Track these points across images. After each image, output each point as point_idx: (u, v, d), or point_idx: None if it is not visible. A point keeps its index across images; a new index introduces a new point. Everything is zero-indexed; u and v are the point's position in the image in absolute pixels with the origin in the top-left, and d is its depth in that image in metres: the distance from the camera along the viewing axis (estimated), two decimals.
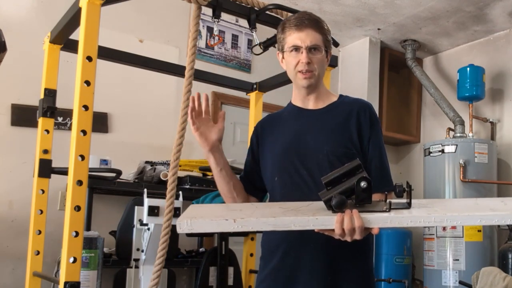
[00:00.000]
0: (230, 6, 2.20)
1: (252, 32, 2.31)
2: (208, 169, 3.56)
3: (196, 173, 3.58)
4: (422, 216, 1.27)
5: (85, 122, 1.89)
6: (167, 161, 3.48)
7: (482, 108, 4.67)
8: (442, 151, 4.24)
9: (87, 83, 1.90)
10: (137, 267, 2.92)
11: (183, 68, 2.10)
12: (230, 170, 1.73)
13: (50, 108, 2.45)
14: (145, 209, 2.75)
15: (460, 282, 3.73)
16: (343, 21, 4.49)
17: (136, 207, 2.94)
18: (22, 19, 3.42)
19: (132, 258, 2.93)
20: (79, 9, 1.97)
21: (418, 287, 4.78)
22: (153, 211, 2.74)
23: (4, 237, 3.19)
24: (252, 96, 3.15)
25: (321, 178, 1.36)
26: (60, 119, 3.40)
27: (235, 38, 4.42)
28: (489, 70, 4.56)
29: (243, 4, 2.23)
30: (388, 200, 1.35)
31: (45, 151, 2.44)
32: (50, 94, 2.47)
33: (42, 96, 2.47)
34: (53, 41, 2.45)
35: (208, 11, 2.24)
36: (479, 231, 4.03)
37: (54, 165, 2.48)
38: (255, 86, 3.14)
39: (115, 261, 3.07)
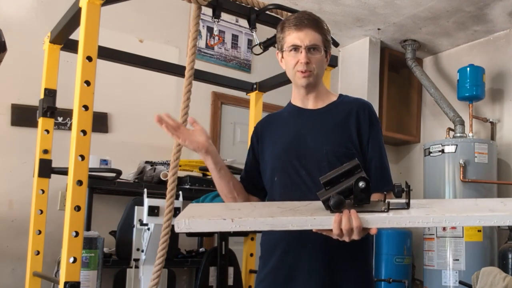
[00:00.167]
0: (230, 6, 2.21)
1: (252, 32, 2.31)
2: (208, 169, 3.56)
3: (196, 173, 3.58)
4: (421, 217, 1.27)
5: (85, 122, 1.89)
6: (167, 161, 3.48)
7: (482, 108, 4.67)
8: (442, 151, 4.24)
9: (87, 83, 1.90)
10: (137, 267, 2.92)
11: (183, 68, 2.11)
12: (228, 170, 1.73)
13: (50, 108, 2.46)
14: (145, 209, 2.75)
15: (460, 282, 3.73)
16: (343, 21, 4.49)
17: (136, 207, 2.94)
18: (22, 19, 3.42)
19: (132, 258, 2.93)
20: (79, 9, 1.97)
21: (418, 287, 4.78)
22: (153, 211, 2.74)
23: (4, 237, 3.19)
24: (252, 96, 3.15)
25: (319, 178, 1.36)
26: (60, 119, 3.40)
27: (235, 38, 4.42)
28: (489, 70, 4.56)
29: (243, 4, 2.23)
30: (386, 200, 1.35)
31: (45, 151, 2.44)
32: (50, 94, 2.47)
33: (42, 96, 2.47)
34: (53, 41, 2.45)
35: (208, 11, 2.24)
36: (479, 231, 4.03)
37: (54, 165, 2.48)
38: (255, 86, 3.15)
39: (115, 261, 3.07)
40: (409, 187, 1.31)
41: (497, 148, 4.37)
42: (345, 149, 1.61)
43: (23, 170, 3.14)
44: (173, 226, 1.55)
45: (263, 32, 2.37)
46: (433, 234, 4.17)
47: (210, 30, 4.23)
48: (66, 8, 2.21)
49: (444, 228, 4.09)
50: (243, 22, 3.43)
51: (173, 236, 2.65)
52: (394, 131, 5.03)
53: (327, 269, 1.56)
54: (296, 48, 1.63)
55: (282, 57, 1.70)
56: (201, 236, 3.79)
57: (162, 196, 2.27)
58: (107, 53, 2.58)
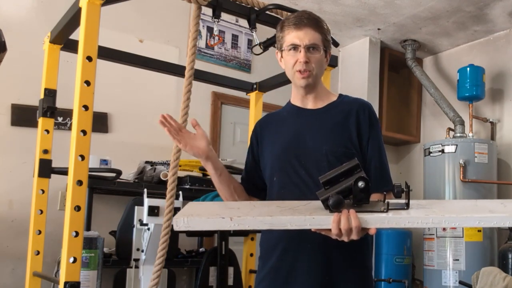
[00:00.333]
0: (230, 6, 2.20)
1: (252, 32, 2.31)
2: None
3: (196, 173, 3.58)
4: (420, 217, 1.26)
5: (85, 122, 1.89)
6: (167, 161, 3.48)
7: (482, 108, 4.67)
8: (442, 151, 4.24)
9: (87, 83, 1.90)
10: (137, 267, 2.92)
11: (183, 68, 2.11)
12: (228, 173, 1.73)
13: (50, 108, 2.46)
14: (145, 209, 2.75)
15: (460, 282, 3.73)
16: (343, 21, 4.49)
17: (136, 207, 2.94)
18: (22, 19, 3.42)
19: (132, 258, 2.93)
20: (79, 9, 1.97)
21: (418, 287, 4.78)
22: (153, 211, 2.74)
23: (4, 237, 3.19)
24: (252, 96, 3.15)
25: (319, 177, 1.36)
26: (60, 119, 3.40)
27: (235, 38, 4.42)
28: (489, 70, 4.56)
29: (243, 4, 2.23)
30: (386, 201, 1.34)
31: (45, 151, 2.44)
32: (50, 94, 2.47)
33: (42, 96, 2.47)
34: (53, 41, 2.45)
35: (208, 11, 2.24)
36: (479, 231, 4.03)
37: (54, 165, 2.48)
38: (255, 86, 3.15)
39: (115, 261, 3.07)
40: (409, 187, 1.31)
41: (497, 148, 4.37)
42: (344, 149, 1.60)
43: (23, 170, 3.14)
44: (173, 226, 1.56)
45: (263, 32, 2.37)
46: (433, 234, 4.17)
47: (210, 30, 4.23)
48: (66, 8, 2.20)
49: (444, 228, 4.09)
50: (243, 22, 3.43)
51: (173, 236, 2.65)
52: (394, 131, 5.03)
53: (326, 269, 1.56)
54: (295, 47, 1.62)
55: (282, 56, 1.69)
56: (201, 236, 3.79)
57: (162, 196, 2.27)
58: (107, 53, 2.58)
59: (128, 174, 3.43)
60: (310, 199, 1.44)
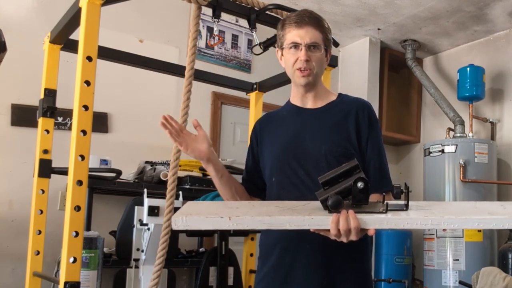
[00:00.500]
0: (230, 6, 2.20)
1: (252, 32, 2.31)
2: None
3: (196, 173, 3.58)
4: (419, 219, 1.26)
5: (85, 122, 1.89)
6: (167, 161, 3.48)
7: (482, 108, 4.67)
8: (442, 151, 4.24)
9: (87, 83, 1.90)
10: (137, 267, 2.92)
11: (183, 68, 2.11)
12: (229, 174, 1.72)
13: (50, 108, 2.46)
14: (145, 209, 2.75)
15: (460, 282, 3.73)
16: (343, 21, 4.49)
17: (136, 207, 2.94)
18: (22, 19, 3.42)
19: (132, 258, 2.93)
20: (79, 9, 1.97)
21: (418, 287, 4.78)
22: (153, 211, 2.74)
23: (4, 237, 3.19)
24: (252, 96, 3.15)
25: (318, 178, 1.35)
26: (60, 119, 3.40)
27: (235, 38, 4.42)
28: (489, 70, 4.56)
29: (243, 4, 2.23)
30: (385, 202, 1.34)
31: (45, 151, 2.44)
32: (50, 94, 2.47)
33: (42, 96, 2.47)
34: (53, 41, 2.45)
35: (208, 11, 2.24)
36: (479, 231, 4.03)
37: (54, 165, 2.48)
38: (255, 86, 3.15)
39: (115, 261, 3.07)
40: (408, 188, 1.30)
41: (497, 148, 4.37)
42: (343, 149, 1.60)
43: (23, 170, 3.14)
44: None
45: (263, 32, 2.37)
46: (433, 234, 4.17)
47: (210, 30, 4.23)
48: (66, 8, 2.20)
49: (444, 228, 4.09)
50: (243, 22, 3.43)
51: (173, 236, 2.65)
52: (394, 131, 5.03)
53: (325, 270, 1.56)
54: (296, 45, 1.62)
55: (282, 54, 1.68)
56: (201, 236, 3.79)
57: (162, 196, 2.27)
58: (107, 53, 2.58)
59: (128, 174, 3.43)
60: (309, 199, 1.44)
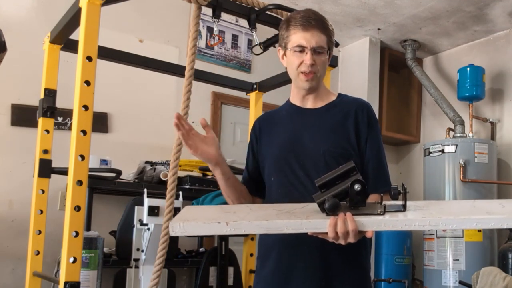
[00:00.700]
0: (230, 6, 2.20)
1: (252, 32, 2.31)
2: (208, 169, 3.55)
3: (196, 173, 3.58)
4: (417, 220, 1.26)
5: (85, 122, 1.89)
6: (167, 161, 3.48)
7: (482, 108, 4.67)
8: (442, 151, 4.24)
9: (87, 83, 1.90)
10: (137, 267, 2.92)
11: (183, 68, 2.11)
12: (235, 177, 1.70)
13: (50, 108, 2.46)
14: (145, 209, 2.75)
15: (460, 282, 3.73)
16: (343, 21, 4.49)
17: (136, 207, 2.94)
18: (22, 19, 3.42)
19: (132, 258, 2.93)
20: (79, 9, 1.97)
21: (418, 287, 4.78)
22: (153, 211, 2.74)
23: (4, 237, 3.19)
24: (252, 96, 3.15)
25: (315, 180, 1.35)
26: (60, 119, 3.40)
27: (235, 38, 4.42)
28: (489, 70, 4.56)
29: (243, 4, 2.23)
30: (383, 203, 1.34)
31: (45, 151, 2.44)
32: (50, 94, 2.47)
33: (42, 96, 2.47)
34: (53, 41, 2.45)
35: (208, 11, 2.24)
36: (479, 231, 4.03)
37: (54, 165, 2.48)
38: (255, 86, 3.15)
39: (115, 261, 3.07)
40: (406, 189, 1.30)
41: (497, 148, 4.37)
42: (342, 150, 1.60)
43: (23, 170, 3.14)
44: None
45: (263, 32, 2.37)
46: (433, 234, 4.17)
47: (210, 30, 4.22)
48: (66, 8, 2.20)
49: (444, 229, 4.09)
50: (243, 22, 3.43)
51: (173, 236, 2.65)
52: (394, 131, 5.02)
53: (323, 272, 1.55)
54: (301, 48, 1.61)
55: (285, 54, 1.68)
56: (201, 236, 3.79)
57: (162, 196, 2.27)
58: (107, 53, 2.58)
59: (128, 174, 3.43)
60: (308, 199, 1.44)
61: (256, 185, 1.75)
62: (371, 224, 1.28)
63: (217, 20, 2.16)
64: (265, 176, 1.71)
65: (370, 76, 4.79)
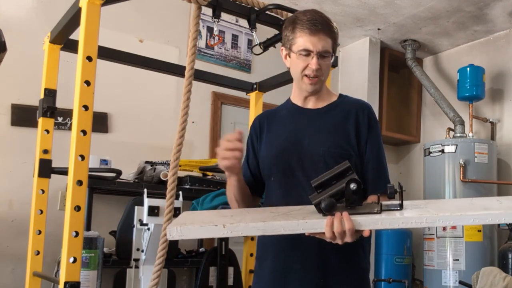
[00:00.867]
0: (230, 6, 2.20)
1: (252, 32, 2.31)
2: (208, 169, 3.56)
3: (196, 173, 3.58)
4: (414, 217, 1.26)
5: (85, 122, 1.89)
6: (167, 161, 3.48)
7: (482, 108, 4.67)
8: (442, 151, 4.24)
9: (87, 83, 1.90)
10: (137, 267, 2.92)
11: (183, 68, 2.10)
12: (244, 181, 1.70)
13: (50, 108, 2.45)
14: (145, 209, 2.75)
15: (460, 282, 3.73)
16: (343, 21, 4.49)
17: (136, 207, 2.94)
18: (22, 19, 3.42)
19: (132, 258, 2.93)
20: (79, 9, 1.97)
21: (418, 287, 4.78)
22: (153, 211, 2.74)
23: (4, 237, 3.19)
24: (252, 96, 3.15)
25: (311, 181, 1.35)
26: (60, 119, 3.40)
27: (235, 38, 4.42)
28: (489, 70, 4.56)
29: (243, 4, 2.22)
30: (379, 202, 1.34)
31: (45, 151, 2.44)
32: (50, 94, 2.47)
33: (42, 96, 2.47)
34: (53, 41, 2.45)
35: (208, 11, 2.24)
36: (479, 231, 4.03)
37: (54, 165, 2.48)
38: (255, 86, 3.14)
39: (115, 261, 3.07)
40: (402, 188, 1.30)
41: (497, 148, 4.37)
42: (341, 150, 1.59)
43: (23, 170, 3.14)
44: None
45: (263, 32, 2.37)
46: (433, 234, 4.17)
47: (210, 30, 4.22)
48: (66, 8, 2.20)
49: (444, 228, 4.09)
50: (243, 22, 3.43)
51: None
52: (394, 131, 5.03)
53: (321, 272, 1.55)
54: (307, 52, 1.60)
55: (288, 55, 1.67)
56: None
57: (162, 196, 2.27)
58: (107, 53, 2.57)
59: (128, 174, 3.43)
60: (307, 200, 1.43)
61: (257, 186, 1.75)
62: (368, 223, 1.29)
63: (217, 20, 2.16)
64: (264, 177, 1.71)
65: (370, 76, 4.79)
